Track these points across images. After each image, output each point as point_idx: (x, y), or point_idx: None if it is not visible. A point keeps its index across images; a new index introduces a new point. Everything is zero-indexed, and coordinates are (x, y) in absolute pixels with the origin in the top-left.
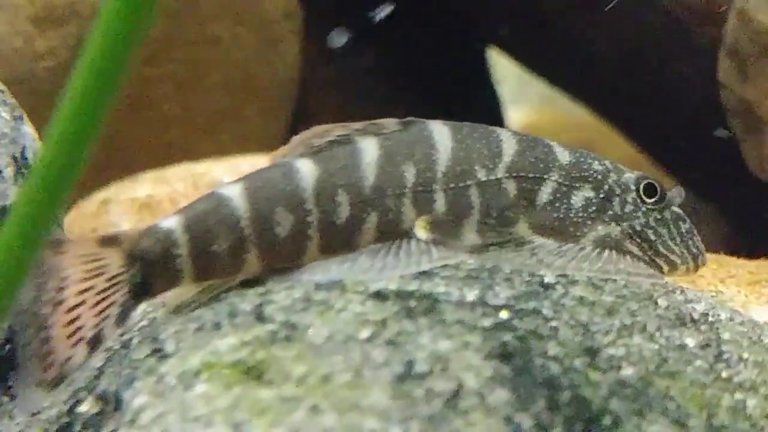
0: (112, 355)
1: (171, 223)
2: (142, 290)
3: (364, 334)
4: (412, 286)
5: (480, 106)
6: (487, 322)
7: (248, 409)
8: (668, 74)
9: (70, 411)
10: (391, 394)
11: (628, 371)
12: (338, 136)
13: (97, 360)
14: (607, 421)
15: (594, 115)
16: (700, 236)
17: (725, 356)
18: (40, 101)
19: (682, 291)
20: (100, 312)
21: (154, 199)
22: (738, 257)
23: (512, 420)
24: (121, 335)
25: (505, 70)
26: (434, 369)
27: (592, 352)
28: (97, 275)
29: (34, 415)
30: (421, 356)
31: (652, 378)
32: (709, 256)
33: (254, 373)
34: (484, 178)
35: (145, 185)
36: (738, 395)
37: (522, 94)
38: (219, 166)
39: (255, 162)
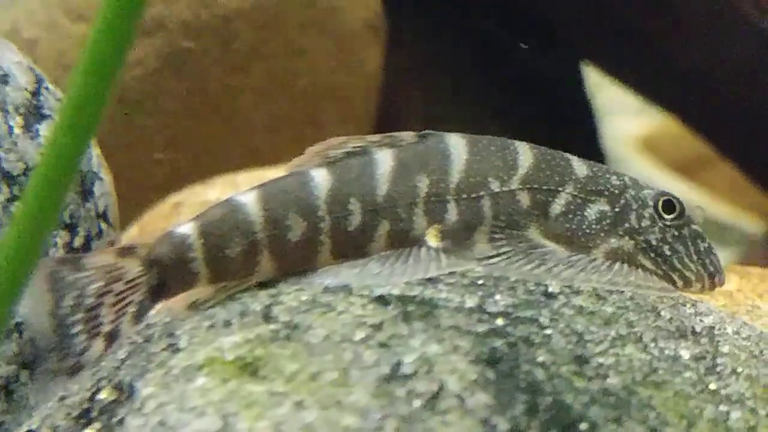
0: (135, 348)
1: (186, 228)
2: (159, 292)
3: (359, 335)
4: (415, 292)
5: (570, 119)
6: (481, 328)
7: (239, 402)
8: (755, 87)
9: (91, 398)
10: (373, 393)
11: (613, 380)
12: (354, 147)
13: (122, 352)
14: (583, 426)
15: (686, 129)
16: None
17: (718, 369)
18: (131, 109)
19: (694, 304)
20: (118, 311)
21: None
22: None
23: (488, 422)
24: (147, 330)
25: None
26: (419, 371)
27: (581, 361)
28: (115, 281)
29: (62, 400)
30: (409, 359)
31: (637, 387)
32: (753, 270)
33: (250, 369)
34: (497, 190)
35: (215, 189)
36: (722, 407)
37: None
38: None
39: None
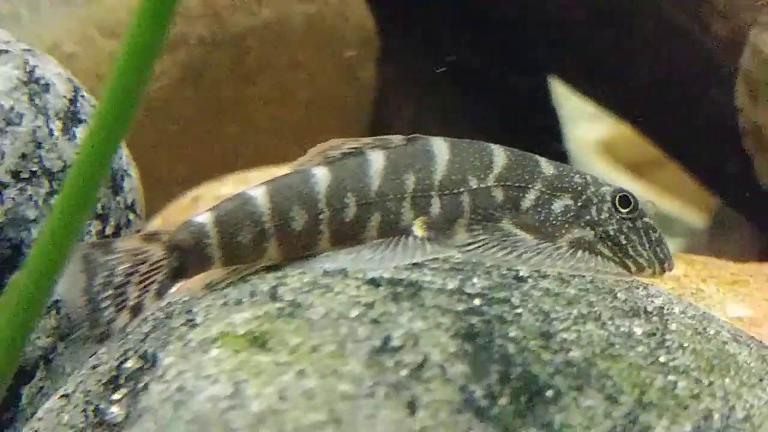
0: (158, 323)
1: (203, 218)
2: (179, 273)
3: (354, 313)
4: (403, 275)
5: (539, 125)
6: (460, 307)
7: (248, 371)
8: (699, 97)
9: (119, 366)
10: (365, 363)
11: (575, 353)
12: (350, 148)
13: (146, 326)
14: (549, 394)
15: (638, 134)
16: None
17: (667, 344)
18: (153, 117)
19: (646, 287)
20: (142, 288)
21: None
22: (725, 259)
23: (466, 389)
24: (168, 307)
25: None
26: (406, 344)
27: (547, 336)
28: (141, 263)
29: (93, 368)
30: (397, 333)
31: (596, 360)
32: (698, 258)
33: (259, 341)
34: (475, 186)
35: (229, 185)
36: (670, 377)
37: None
38: None
39: None
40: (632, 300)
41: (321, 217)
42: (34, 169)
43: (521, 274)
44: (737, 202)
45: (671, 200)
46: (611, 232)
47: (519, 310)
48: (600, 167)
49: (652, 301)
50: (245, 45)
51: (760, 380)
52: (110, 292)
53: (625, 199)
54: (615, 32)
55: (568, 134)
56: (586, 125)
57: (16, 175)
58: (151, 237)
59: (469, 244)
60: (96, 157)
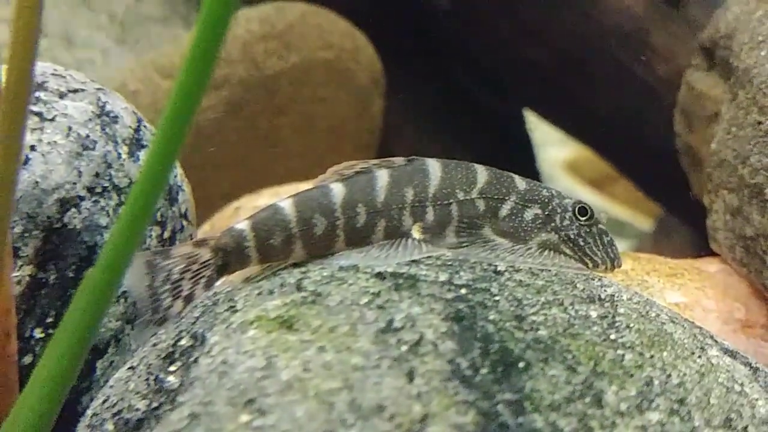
0: (206, 309)
1: (242, 225)
2: (223, 269)
3: (364, 300)
4: (403, 270)
5: (516, 148)
6: (449, 295)
7: (278, 348)
8: (645, 125)
9: (175, 344)
10: (373, 341)
11: (542, 332)
12: (361, 168)
13: (197, 312)
14: (521, 365)
15: (596, 155)
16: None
17: (617, 324)
18: (203, 143)
19: (600, 279)
20: (194, 282)
21: None
22: (665, 257)
23: (454, 361)
24: (214, 296)
25: None
26: (406, 325)
27: (520, 318)
28: (193, 262)
29: (154, 345)
30: (399, 317)
31: (559, 337)
32: (642, 255)
33: (287, 324)
34: (462, 198)
35: (265, 197)
36: (619, 351)
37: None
38: None
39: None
40: (589, 289)
41: (337, 223)
42: (105, 185)
43: (499, 268)
44: (676, 210)
45: (623, 209)
46: (572, 236)
47: (497, 298)
48: (566, 183)
49: (605, 290)
50: (277, 84)
51: (692, 353)
52: (168, 286)
53: (583, 210)
54: (576, 73)
55: (540, 155)
56: (555, 148)
57: (91, 190)
58: (201, 242)
59: (457, 245)
60: (154, 175)
